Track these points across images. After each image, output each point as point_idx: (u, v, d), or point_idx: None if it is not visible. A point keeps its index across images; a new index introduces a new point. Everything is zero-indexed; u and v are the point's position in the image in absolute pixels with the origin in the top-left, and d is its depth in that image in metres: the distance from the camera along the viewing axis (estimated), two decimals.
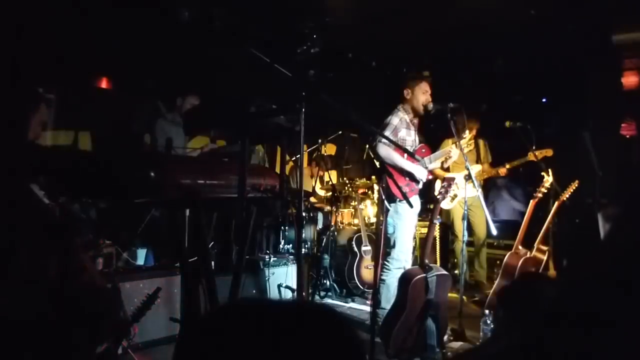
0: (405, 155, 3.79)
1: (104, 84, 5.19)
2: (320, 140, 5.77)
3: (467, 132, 4.24)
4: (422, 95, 3.89)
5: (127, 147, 3.75)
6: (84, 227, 2.24)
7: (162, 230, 4.05)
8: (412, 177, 3.87)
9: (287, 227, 5.13)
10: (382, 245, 3.31)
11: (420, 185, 3.95)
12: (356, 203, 5.66)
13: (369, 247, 5.24)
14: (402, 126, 3.88)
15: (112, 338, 2.35)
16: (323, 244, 5.27)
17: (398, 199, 3.74)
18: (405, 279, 3.31)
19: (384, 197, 3.63)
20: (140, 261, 4.12)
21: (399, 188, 3.42)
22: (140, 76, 5.03)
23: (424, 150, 3.99)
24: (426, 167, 3.92)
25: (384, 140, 3.71)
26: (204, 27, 4.44)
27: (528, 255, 4.10)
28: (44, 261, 1.95)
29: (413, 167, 3.83)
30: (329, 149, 6.19)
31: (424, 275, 3.25)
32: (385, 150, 3.78)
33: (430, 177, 4.10)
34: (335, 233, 5.44)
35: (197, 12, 4.32)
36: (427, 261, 3.32)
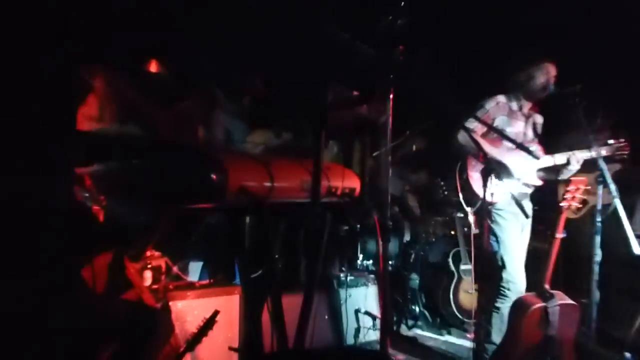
0: (501, 146, 3.65)
1: (152, 67, 5.42)
2: (408, 132, 5.71)
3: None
4: (542, 78, 3.76)
5: (182, 144, 3.91)
6: (131, 236, 2.37)
7: (219, 240, 4.19)
8: (507, 173, 3.72)
9: (367, 239, 5.13)
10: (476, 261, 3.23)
11: (529, 188, 3.80)
12: (453, 210, 5.56)
13: (469, 266, 5.12)
14: (498, 112, 3.76)
15: None
16: (411, 261, 5.22)
17: (497, 205, 3.64)
18: (518, 309, 3.22)
19: (461, 198, 3.56)
20: (194, 276, 4.28)
21: (485, 187, 3.31)
22: (195, 58, 5.22)
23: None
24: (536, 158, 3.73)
25: (472, 125, 3.61)
26: None
27: None
28: (88, 274, 2.09)
29: (510, 159, 3.69)
30: (418, 143, 6.10)
31: (543, 304, 3.15)
32: (464, 138, 3.66)
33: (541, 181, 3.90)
34: (427, 247, 5.37)
35: None
36: (546, 286, 3.21)
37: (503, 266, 3.73)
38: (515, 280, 3.70)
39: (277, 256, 2.88)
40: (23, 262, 1.44)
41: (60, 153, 1.35)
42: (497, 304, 3.72)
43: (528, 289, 3.71)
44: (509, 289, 3.70)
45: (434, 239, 5.65)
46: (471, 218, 4.80)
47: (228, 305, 3.58)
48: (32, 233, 1.36)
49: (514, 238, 3.72)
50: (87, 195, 2.41)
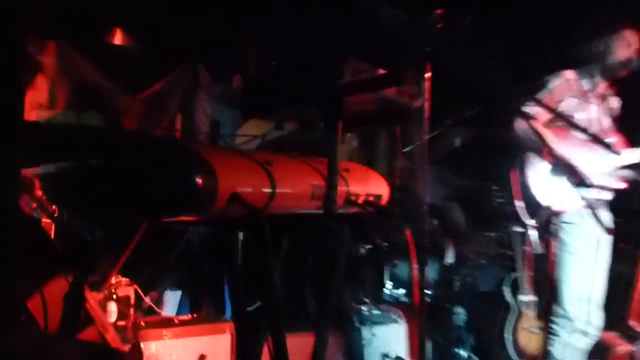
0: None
1: (117, 39, 5.48)
2: (449, 122, 5.71)
3: None
4: (623, 50, 3.76)
5: (155, 138, 3.94)
6: (91, 258, 2.39)
7: (203, 264, 4.22)
8: (578, 174, 3.72)
9: (397, 262, 5.14)
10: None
11: (607, 193, 3.80)
12: (509, 223, 5.55)
13: (532, 297, 5.11)
14: (567, 93, 3.75)
15: None
16: (455, 290, 5.22)
17: (564, 216, 3.64)
18: (596, 354, 3.22)
19: (520, 208, 3.57)
20: (171, 310, 4.31)
21: (550, 193, 3.32)
22: (172, 27, 5.26)
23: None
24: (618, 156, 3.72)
25: (532, 110, 3.61)
26: None
27: None
28: (36, 306, 2.12)
29: (582, 155, 3.68)
30: (463, 137, 6.09)
31: (628, 347, 3.15)
32: (523, 128, 3.67)
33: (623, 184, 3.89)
34: (475, 272, 5.36)
35: None
36: (632, 323, 3.21)
37: (557, 294, 3.72)
38: (570, 314, 3.68)
39: (279, 284, 2.90)
40: None
41: (4, 150, 1.37)
42: (549, 347, 3.71)
43: (607, 327, 3.70)
44: (559, 327, 3.70)
45: (484, 262, 5.64)
46: (533, 234, 4.82)
47: (216, 347, 3.59)
48: None
49: (581, 259, 3.70)
50: (34, 204, 2.44)
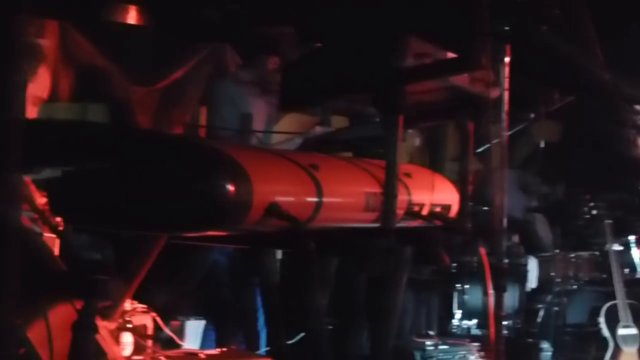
0: None
1: (129, 17, 5.54)
2: (532, 116, 5.67)
3: None
4: None
5: (176, 135, 3.97)
6: (102, 279, 2.41)
7: (233, 288, 4.24)
8: None
9: (468, 287, 5.12)
10: None
11: None
12: (606, 240, 5.49)
13: (634, 330, 5.05)
14: None
15: None
16: (539, 320, 5.19)
17: None
18: None
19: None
20: (194, 342, 4.35)
21: None
22: (195, 2, 5.31)
23: None
24: None
25: None
26: None
27: None
28: (39, 336, 2.15)
29: None
30: (550, 134, 6.03)
31: None
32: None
33: None
34: (564, 299, 5.32)
35: None
36: None
37: None
38: None
39: (325, 312, 2.91)
40: None
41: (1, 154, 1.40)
42: None
43: None
44: None
45: (575, 287, 5.59)
46: (638, 254, 4.77)
47: None
48: None
49: None
50: (35, 216, 2.48)
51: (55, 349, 2.10)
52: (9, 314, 1.48)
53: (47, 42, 3.43)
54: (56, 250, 2.57)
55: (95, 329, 2.12)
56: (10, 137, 1.47)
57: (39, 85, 2.66)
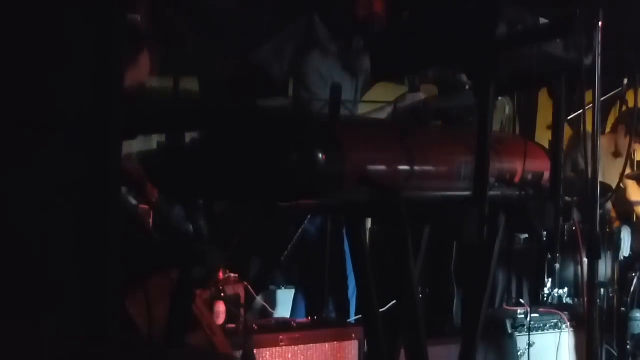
0: None
1: None
2: (625, 82, 5.51)
3: None
4: None
5: (267, 106, 3.97)
6: (197, 250, 2.43)
7: (323, 257, 4.26)
8: None
9: (560, 256, 5.04)
10: None
11: None
12: None
13: None
14: None
15: None
16: (633, 289, 5.09)
17: None
18: None
19: None
20: (285, 310, 4.38)
21: None
22: None
23: None
24: None
25: None
26: None
27: None
28: (137, 307, 2.18)
29: None
30: None
31: None
32: None
33: None
34: None
35: None
36: None
37: None
38: None
39: (418, 281, 2.89)
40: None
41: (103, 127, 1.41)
42: None
43: None
44: None
45: None
46: None
47: (341, 356, 3.64)
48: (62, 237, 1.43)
49: None
50: (129, 188, 2.52)
51: (153, 321, 2.13)
52: (112, 286, 1.49)
53: (141, 17, 3.45)
54: (150, 222, 2.62)
55: (192, 298, 2.15)
56: (112, 111, 1.47)
57: (140, 70, 2.68)
